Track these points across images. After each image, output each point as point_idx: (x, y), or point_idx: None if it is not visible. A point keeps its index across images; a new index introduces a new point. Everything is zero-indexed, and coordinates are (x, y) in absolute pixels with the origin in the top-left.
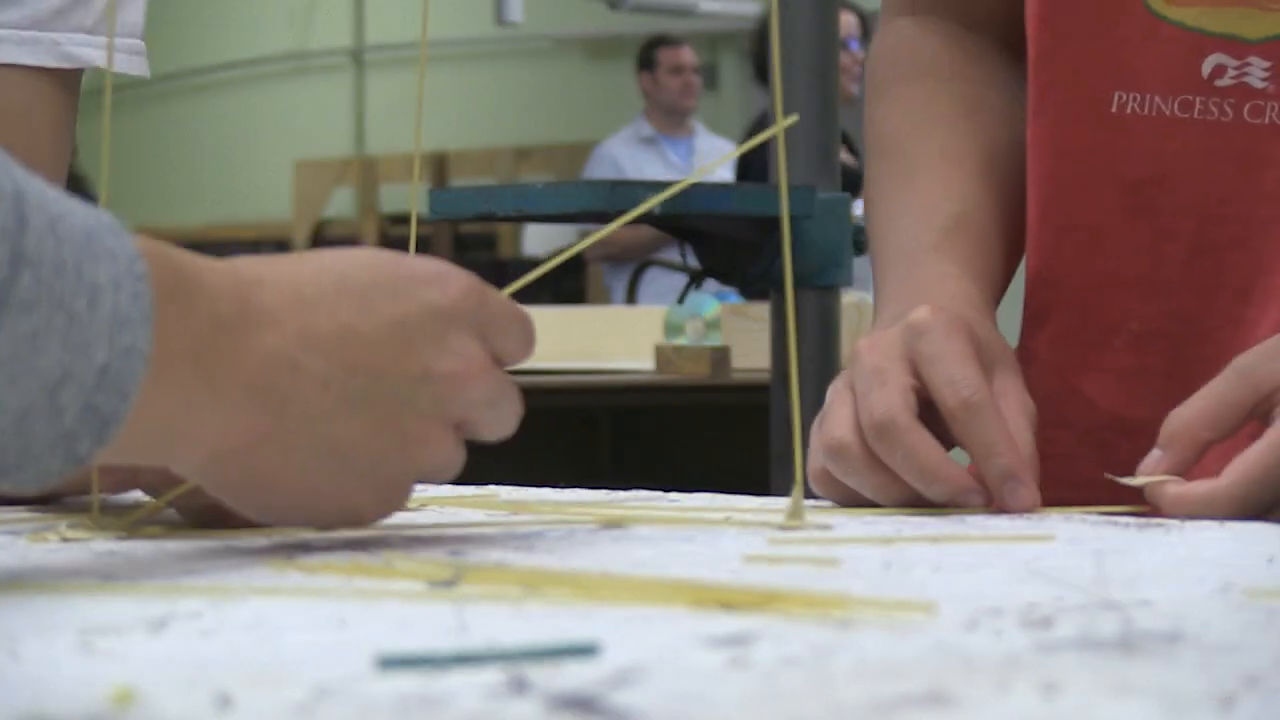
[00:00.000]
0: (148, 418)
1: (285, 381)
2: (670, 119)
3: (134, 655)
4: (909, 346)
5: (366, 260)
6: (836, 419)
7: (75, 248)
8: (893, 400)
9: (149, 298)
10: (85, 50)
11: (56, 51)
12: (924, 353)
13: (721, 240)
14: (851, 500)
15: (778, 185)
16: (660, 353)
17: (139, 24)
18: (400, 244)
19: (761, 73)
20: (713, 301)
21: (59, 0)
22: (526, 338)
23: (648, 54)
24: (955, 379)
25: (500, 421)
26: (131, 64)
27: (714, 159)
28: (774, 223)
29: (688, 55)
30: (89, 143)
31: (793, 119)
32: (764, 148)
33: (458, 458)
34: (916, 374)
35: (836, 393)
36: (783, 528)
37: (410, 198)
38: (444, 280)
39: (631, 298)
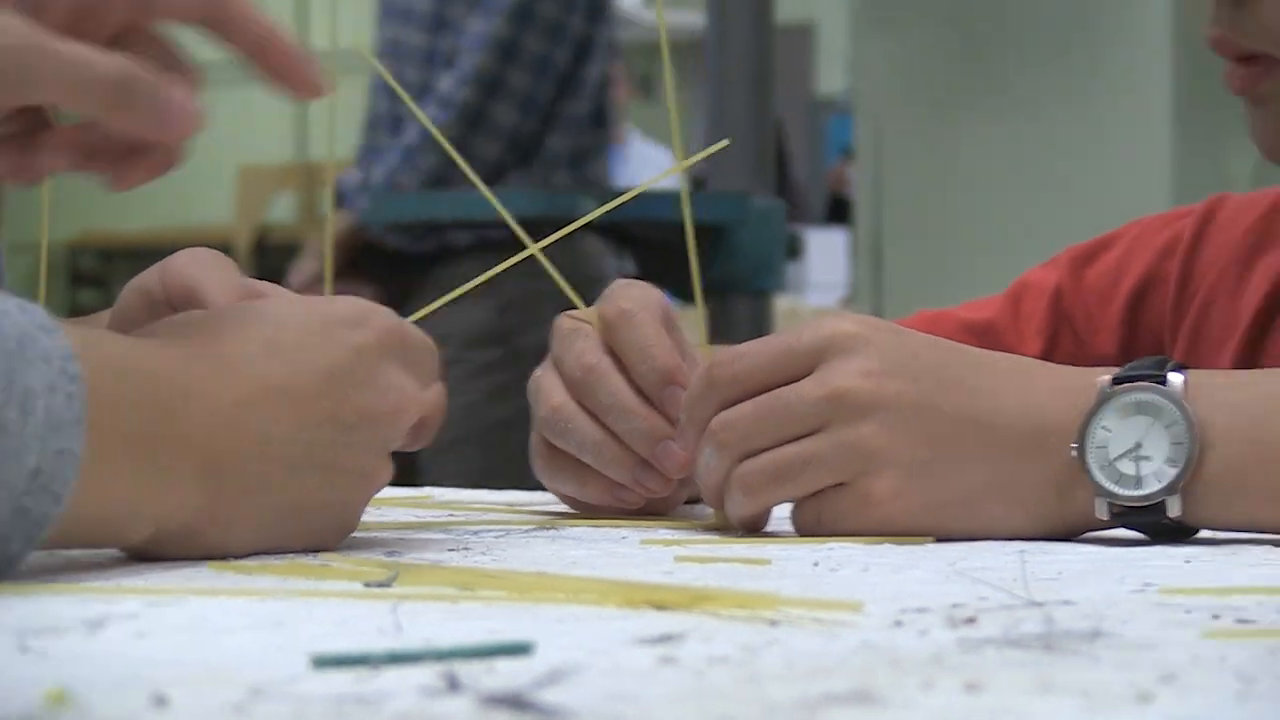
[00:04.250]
0: (84, 513)
1: (225, 457)
2: None
3: (70, 656)
4: (602, 315)
5: (288, 314)
6: (547, 390)
7: (6, 355)
8: (587, 348)
9: (82, 398)
10: None
11: None
12: (609, 315)
13: (657, 246)
14: (573, 483)
15: (715, 194)
16: None
17: None
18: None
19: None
20: None
21: None
22: (436, 363)
23: None
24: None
25: (427, 437)
26: None
27: (646, 165)
28: (708, 229)
29: (621, 68)
30: None
31: (724, 143)
32: (712, 157)
33: (391, 474)
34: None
35: (542, 372)
36: (710, 527)
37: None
38: (365, 320)
39: None
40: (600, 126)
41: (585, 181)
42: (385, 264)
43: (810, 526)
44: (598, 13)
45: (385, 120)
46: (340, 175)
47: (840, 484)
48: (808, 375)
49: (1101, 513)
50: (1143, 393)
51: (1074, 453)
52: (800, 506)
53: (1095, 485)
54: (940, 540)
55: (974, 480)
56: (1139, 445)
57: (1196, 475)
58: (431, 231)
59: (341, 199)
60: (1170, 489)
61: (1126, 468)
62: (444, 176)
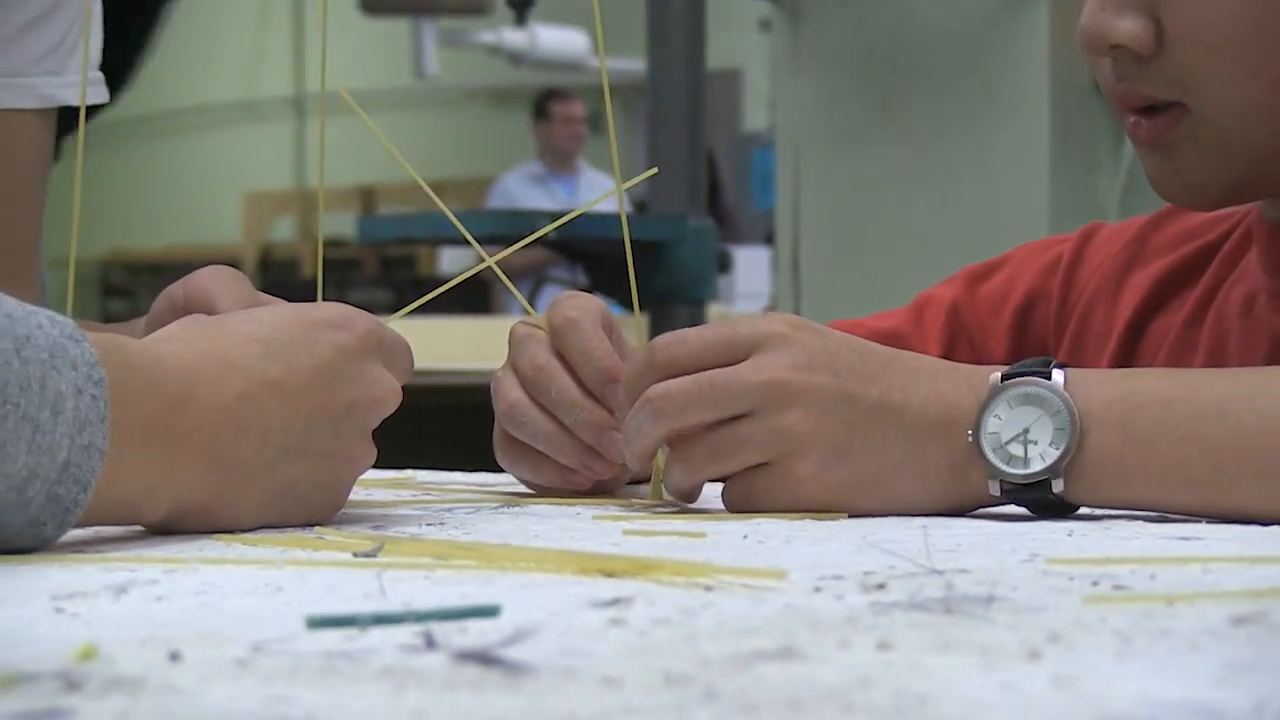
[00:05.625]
0: (109, 497)
1: (230, 444)
2: (559, 160)
3: (98, 617)
4: (550, 321)
5: (279, 318)
6: (505, 388)
7: (40, 365)
8: (538, 351)
9: (105, 399)
10: (57, 90)
11: (35, 94)
12: (556, 322)
13: (607, 260)
14: (531, 469)
15: (655, 216)
16: None
17: (96, 59)
18: (335, 264)
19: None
20: None
21: (36, 51)
22: (410, 359)
23: (542, 105)
24: (589, 347)
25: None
26: (93, 94)
27: (596, 191)
28: (650, 246)
29: (577, 108)
30: (66, 176)
31: (653, 170)
32: (653, 183)
33: (374, 457)
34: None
35: (501, 373)
36: (646, 505)
37: (318, 231)
38: (349, 323)
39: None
40: None
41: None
42: None
43: (740, 502)
44: None
45: None
46: None
47: (767, 464)
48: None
49: (994, 490)
50: (1030, 386)
51: (970, 438)
52: (730, 484)
53: (989, 466)
54: (854, 516)
55: (885, 461)
56: (1026, 431)
57: (1076, 458)
58: None
59: None
60: (1054, 469)
61: (1016, 450)
62: None
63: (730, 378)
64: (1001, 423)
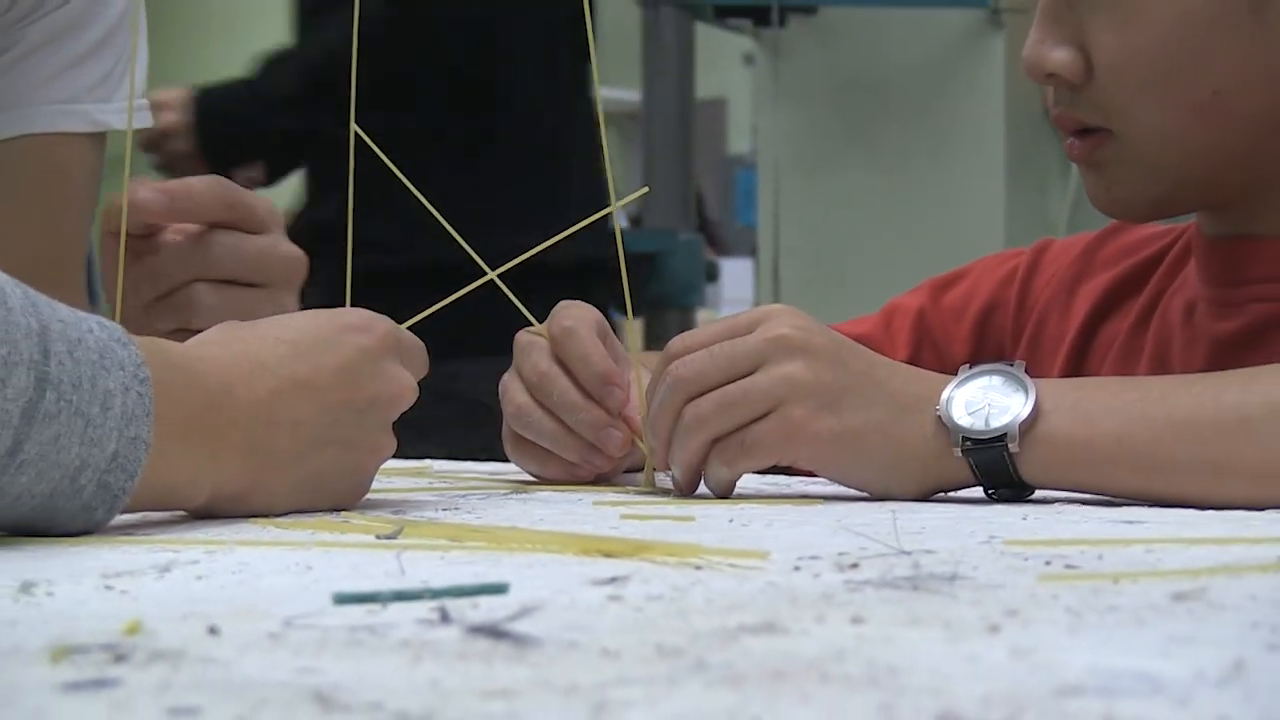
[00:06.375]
0: (153, 485)
1: (263, 437)
2: None
3: (144, 594)
4: (549, 330)
5: (306, 322)
6: (511, 392)
7: (90, 365)
8: (540, 359)
9: (150, 397)
10: (108, 116)
11: (88, 119)
12: (555, 331)
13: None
14: (537, 464)
15: (651, 230)
16: None
17: (142, 86)
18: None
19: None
20: None
21: (88, 80)
22: (425, 359)
23: None
24: (587, 353)
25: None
26: (142, 118)
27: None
28: (644, 257)
29: None
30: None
31: (644, 190)
32: (646, 201)
33: (394, 447)
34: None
35: (508, 378)
36: (641, 492)
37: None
38: (369, 326)
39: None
40: None
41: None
42: None
43: (733, 453)
44: None
45: None
46: None
47: (767, 413)
48: None
49: (956, 443)
50: (994, 374)
51: (938, 411)
52: (723, 441)
53: (953, 425)
54: (828, 499)
55: (867, 419)
56: (989, 404)
57: (1031, 433)
58: None
59: None
60: (1010, 430)
61: (978, 417)
62: None
63: (738, 343)
64: (967, 398)
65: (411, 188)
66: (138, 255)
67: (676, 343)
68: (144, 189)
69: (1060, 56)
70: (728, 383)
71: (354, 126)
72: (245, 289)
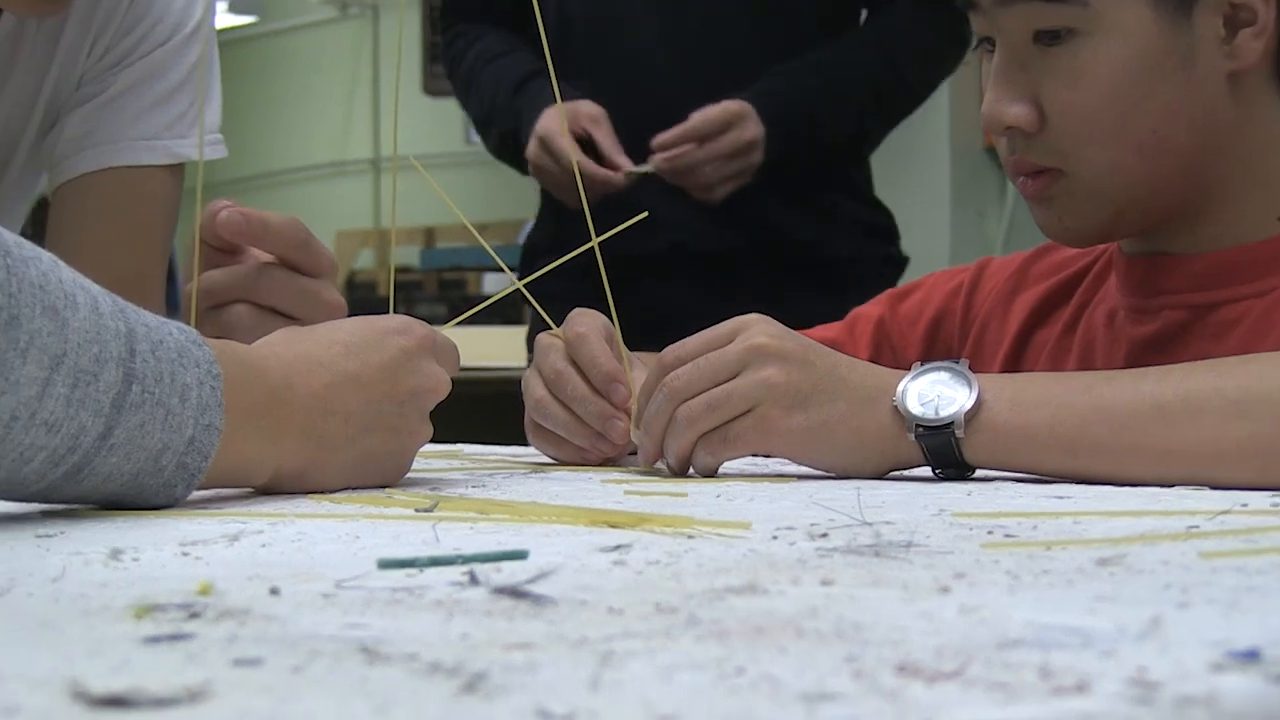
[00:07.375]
0: (224, 465)
1: (319, 423)
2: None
3: (216, 560)
4: (564, 335)
5: (356, 326)
6: (532, 387)
7: (170, 363)
8: (556, 359)
9: (221, 390)
10: (185, 149)
11: (167, 152)
12: (569, 336)
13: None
14: (553, 448)
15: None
16: None
17: (217, 122)
18: (403, 286)
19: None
20: None
21: (168, 117)
22: (458, 358)
23: None
24: (595, 356)
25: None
26: (215, 151)
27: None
28: None
29: None
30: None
31: (643, 215)
32: None
33: (431, 433)
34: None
35: (529, 374)
36: (641, 472)
37: (389, 266)
38: (409, 330)
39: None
40: None
41: None
42: None
43: (717, 445)
44: None
45: None
46: None
47: (746, 411)
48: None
49: (910, 430)
50: (942, 370)
51: (894, 402)
52: (708, 435)
53: (907, 414)
54: (802, 478)
55: (832, 412)
56: (938, 396)
57: (974, 419)
58: None
59: None
60: (956, 419)
61: (929, 407)
62: None
63: (721, 352)
64: (920, 389)
65: (452, 205)
66: (214, 267)
67: (669, 352)
68: (227, 208)
69: (1017, 111)
70: (713, 385)
71: (410, 157)
72: (282, 319)
